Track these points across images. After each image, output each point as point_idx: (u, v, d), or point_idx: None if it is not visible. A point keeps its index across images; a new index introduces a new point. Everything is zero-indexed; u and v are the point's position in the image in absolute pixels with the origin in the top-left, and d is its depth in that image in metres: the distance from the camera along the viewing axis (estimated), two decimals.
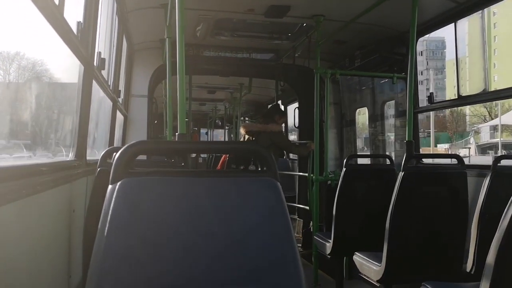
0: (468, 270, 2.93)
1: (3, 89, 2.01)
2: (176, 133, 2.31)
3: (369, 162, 6.33)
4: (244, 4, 4.59)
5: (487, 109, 48.25)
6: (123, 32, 4.75)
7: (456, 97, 4.40)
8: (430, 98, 4.72)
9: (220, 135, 18.58)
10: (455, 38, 4.41)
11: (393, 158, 4.55)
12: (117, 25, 4.41)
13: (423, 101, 4.82)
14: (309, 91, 5.50)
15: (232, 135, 13.43)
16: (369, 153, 6.76)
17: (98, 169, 2.48)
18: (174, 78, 2.50)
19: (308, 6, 4.60)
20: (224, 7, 4.72)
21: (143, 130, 5.98)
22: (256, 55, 6.34)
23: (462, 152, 35.31)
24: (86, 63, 2.74)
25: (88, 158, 2.95)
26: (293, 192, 7.50)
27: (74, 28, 2.48)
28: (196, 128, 17.89)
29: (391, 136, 6.43)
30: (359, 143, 7.06)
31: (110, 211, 1.27)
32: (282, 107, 8.17)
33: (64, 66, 2.80)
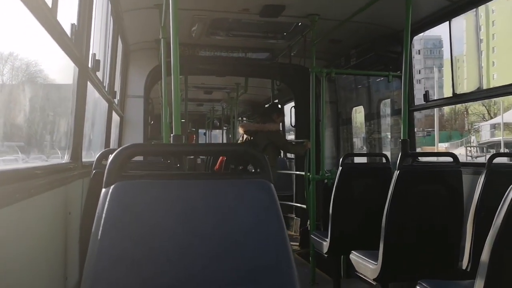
0: (464, 267, 2.94)
1: None
2: (172, 135, 2.31)
3: (365, 161, 6.34)
4: (239, 4, 4.59)
5: (486, 107, 48.35)
6: (118, 32, 4.74)
7: (452, 95, 4.41)
8: (426, 96, 4.73)
9: (218, 135, 18.57)
10: (450, 36, 4.43)
11: (389, 157, 4.56)
12: (112, 25, 4.40)
13: (420, 100, 4.83)
14: (305, 90, 5.52)
15: (230, 135, 13.43)
16: (365, 152, 6.78)
17: (94, 171, 2.48)
18: (170, 79, 2.50)
19: (303, 5, 4.60)
20: (219, 7, 4.72)
21: (139, 131, 5.97)
22: (251, 54, 6.34)
23: (463, 151, 35.44)
24: (80, 65, 2.73)
25: (84, 160, 2.94)
26: (290, 191, 7.51)
27: (68, 30, 2.48)
28: (194, 129, 17.87)
29: (387, 134, 6.45)
30: (355, 141, 7.07)
31: (104, 214, 1.27)
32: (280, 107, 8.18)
33: (59, 68, 2.80)
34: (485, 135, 43.61)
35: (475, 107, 48.75)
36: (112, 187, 1.31)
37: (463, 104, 37.40)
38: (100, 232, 1.26)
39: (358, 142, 7.92)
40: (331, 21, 4.87)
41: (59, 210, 2.30)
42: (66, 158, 2.69)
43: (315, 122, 5.08)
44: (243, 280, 1.32)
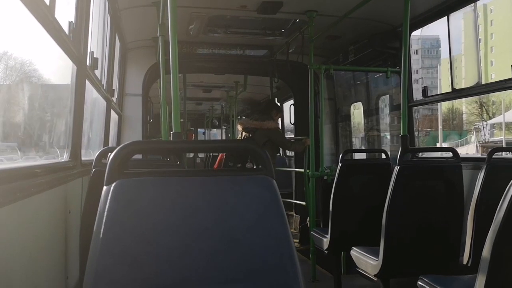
0: (464, 262, 2.95)
1: None
2: (171, 132, 2.31)
3: (364, 157, 6.34)
4: (237, 1, 4.57)
5: (484, 107, 48.35)
6: (115, 31, 4.73)
7: (450, 90, 4.41)
8: (424, 91, 4.72)
9: (217, 135, 18.52)
10: (448, 32, 4.42)
11: (389, 153, 4.56)
12: (110, 24, 4.39)
13: (419, 97, 4.84)
14: (303, 87, 5.50)
15: (229, 135, 13.40)
16: (364, 148, 6.77)
17: (93, 169, 2.47)
18: (168, 77, 2.49)
19: (300, 1, 4.59)
20: (217, 4, 4.71)
21: (138, 129, 5.96)
22: (249, 51, 6.32)
23: (463, 150, 35.48)
24: (78, 63, 2.72)
25: (83, 158, 2.93)
26: (289, 189, 7.51)
27: (65, 28, 2.47)
28: (193, 128, 17.82)
29: (386, 130, 6.45)
30: (354, 138, 7.07)
31: (105, 212, 1.27)
32: (278, 104, 8.17)
33: (57, 66, 2.79)
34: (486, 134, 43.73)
35: (476, 107, 48.65)
36: (113, 184, 1.30)
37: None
38: (102, 230, 1.25)
39: (357, 139, 7.93)
40: (329, 17, 4.86)
41: (59, 209, 2.29)
42: (65, 157, 2.68)
43: (314, 119, 5.07)
44: (245, 277, 1.31)
